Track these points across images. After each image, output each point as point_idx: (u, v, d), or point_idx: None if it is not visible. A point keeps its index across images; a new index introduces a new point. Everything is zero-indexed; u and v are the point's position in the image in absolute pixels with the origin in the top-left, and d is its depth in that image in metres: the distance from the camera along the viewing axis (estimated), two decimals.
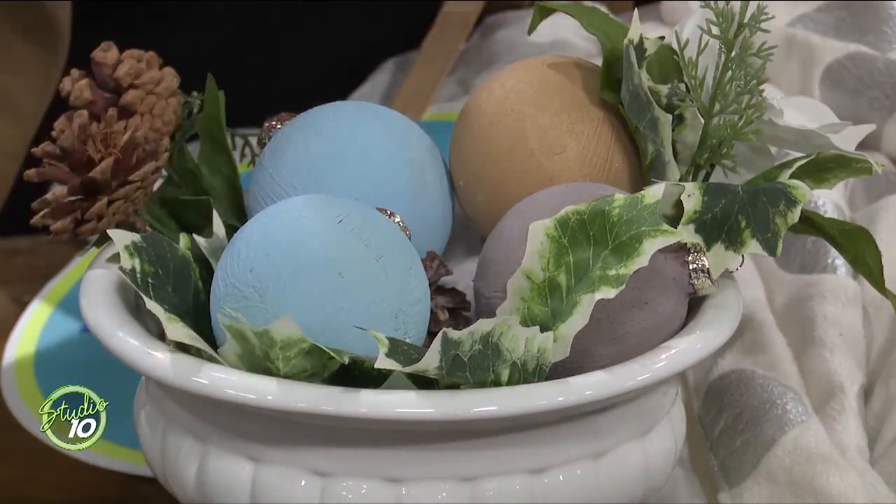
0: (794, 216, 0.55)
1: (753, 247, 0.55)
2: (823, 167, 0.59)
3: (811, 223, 0.60)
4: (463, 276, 0.60)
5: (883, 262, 0.58)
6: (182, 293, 0.54)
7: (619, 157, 0.60)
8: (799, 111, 0.63)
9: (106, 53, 0.60)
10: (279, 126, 0.62)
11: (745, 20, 0.57)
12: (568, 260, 0.52)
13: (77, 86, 0.59)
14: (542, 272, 0.52)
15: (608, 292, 0.51)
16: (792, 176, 0.58)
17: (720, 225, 0.55)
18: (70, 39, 0.88)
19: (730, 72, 0.57)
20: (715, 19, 0.57)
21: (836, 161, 0.59)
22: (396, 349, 0.49)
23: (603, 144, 0.60)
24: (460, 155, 0.62)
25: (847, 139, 0.60)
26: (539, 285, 0.52)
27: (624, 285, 0.51)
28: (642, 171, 0.61)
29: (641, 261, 0.52)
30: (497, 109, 0.61)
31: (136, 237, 0.54)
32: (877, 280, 0.58)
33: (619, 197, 0.52)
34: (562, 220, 0.52)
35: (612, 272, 0.52)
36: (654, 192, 0.52)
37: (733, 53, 0.57)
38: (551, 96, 0.61)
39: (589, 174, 0.60)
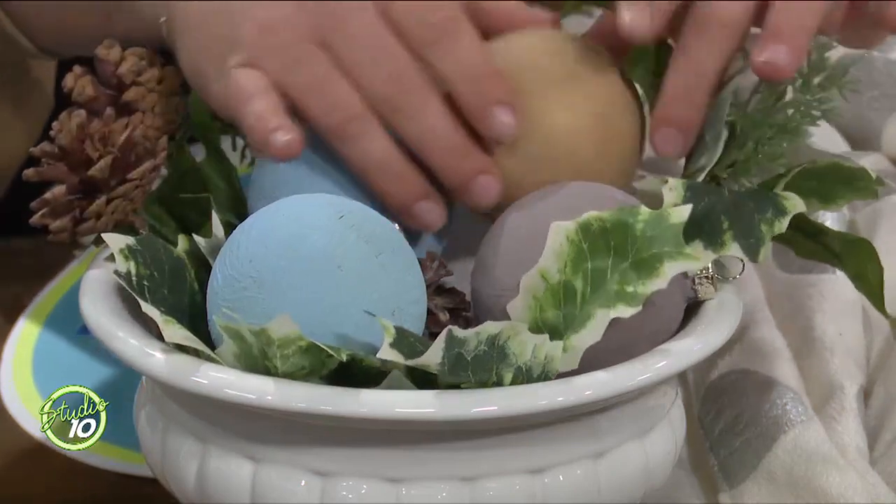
0: (782, 226, 0.55)
1: (734, 250, 0.55)
2: (825, 180, 0.59)
3: (813, 235, 0.59)
4: (463, 276, 0.60)
5: (883, 262, 0.58)
6: (178, 295, 0.54)
7: (614, 137, 0.60)
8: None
9: (109, 51, 0.60)
10: None
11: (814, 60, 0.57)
12: (586, 266, 0.52)
13: (79, 82, 0.59)
14: (559, 274, 0.52)
15: (624, 311, 0.51)
16: (794, 188, 0.58)
17: (699, 223, 0.54)
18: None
19: (791, 108, 0.58)
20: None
21: (834, 171, 0.59)
22: (401, 340, 0.49)
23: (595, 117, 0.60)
24: None
25: (872, 164, 0.61)
26: (553, 287, 0.52)
27: (641, 306, 0.51)
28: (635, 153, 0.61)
29: (660, 282, 0.52)
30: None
31: (130, 240, 0.54)
32: (876, 298, 0.59)
33: (645, 210, 0.52)
34: (584, 224, 0.52)
35: (630, 289, 0.52)
36: (681, 213, 0.53)
37: (807, 96, 0.58)
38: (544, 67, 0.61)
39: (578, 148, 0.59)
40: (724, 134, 0.58)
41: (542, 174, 0.59)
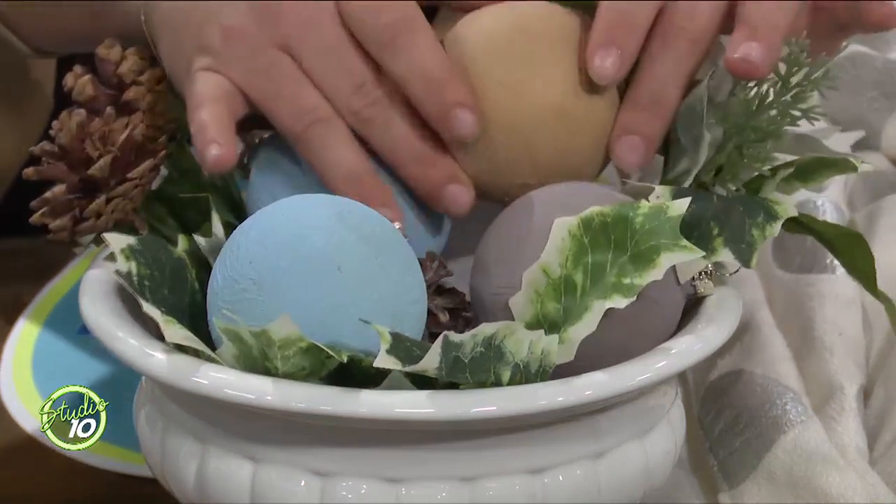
0: (774, 230, 0.56)
1: (725, 255, 0.55)
2: (809, 169, 0.59)
3: (807, 227, 0.60)
4: (463, 276, 0.60)
5: (882, 261, 0.59)
6: (179, 295, 0.54)
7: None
8: None
9: (109, 50, 0.60)
10: (256, 141, 0.63)
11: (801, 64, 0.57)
12: (586, 260, 0.52)
13: (80, 82, 0.59)
14: (560, 268, 0.52)
15: (619, 301, 0.52)
16: (780, 180, 0.58)
17: (688, 229, 0.55)
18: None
19: (773, 110, 0.58)
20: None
21: (821, 163, 0.59)
22: (398, 345, 0.49)
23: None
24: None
25: (838, 143, 0.61)
26: (554, 281, 0.52)
27: (636, 297, 0.52)
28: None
29: (656, 273, 0.52)
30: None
31: (131, 240, 0.54)
32: (871, 285, 0.59)
33: (644, 204, 0.53)
34: (586, 219, 0.53)
35: (627, 280, 0.52)
36: (679, 206, 0.53)
37: (785, 97, 0.58)
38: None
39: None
40: (707, 137, 0.58)
41: (503, 174, 0.59)
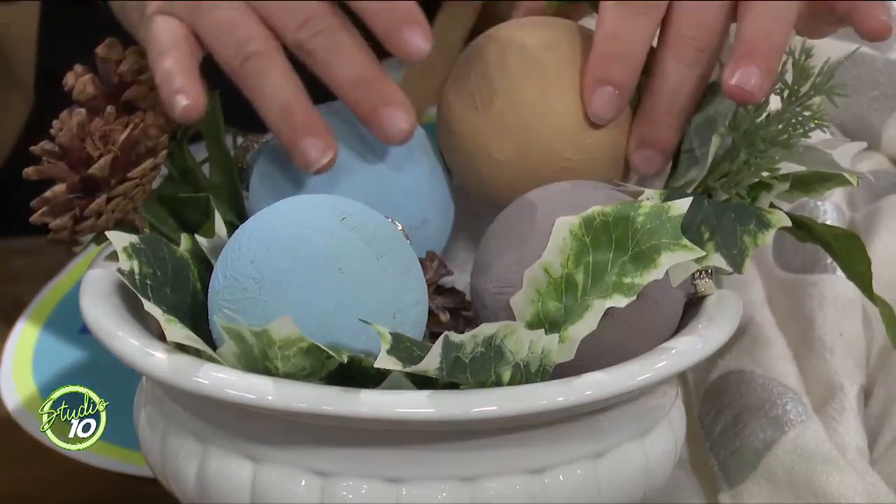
0: (766, 239, 0.56)
1: (716, 260, 0.55)
2: (808, 181, 0.59)
3: (805, 230, 0.60)
4: (463, 276, 0.60)
5: (882, 261, 0.59)
6: (180, 294, 0.54)
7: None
8: None
9: (109, 49, 0.60)
10: (254, 146, 0.63)
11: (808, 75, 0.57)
12: (587, 260, 0.52)
13: (80, 81, 0.59)
14: (561, 268, 0.52)
15: (620, 300, 0.52)
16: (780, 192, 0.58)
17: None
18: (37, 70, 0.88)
19: (781, 122, 0.58)
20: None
21: (819, 176, 0.59)
22: (399, 345, 0.49)
23: None
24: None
25: (843, 154, 0.61)
26: (556, 280, 0.52)
27: (636, 296, 0.52)
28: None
29: (657, 273, 0.52)
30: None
31: (133, 238, 0.54)
32: (866, 287, 0.59)
33: (646, 204, 0.53)
34: (587, 219, 0.53)
35: (628, 280, 0.52)
36: (680, 206, 0.53)
37: (796, 108, 0.57)
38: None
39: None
40: (714, 146, 0.58)
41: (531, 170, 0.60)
